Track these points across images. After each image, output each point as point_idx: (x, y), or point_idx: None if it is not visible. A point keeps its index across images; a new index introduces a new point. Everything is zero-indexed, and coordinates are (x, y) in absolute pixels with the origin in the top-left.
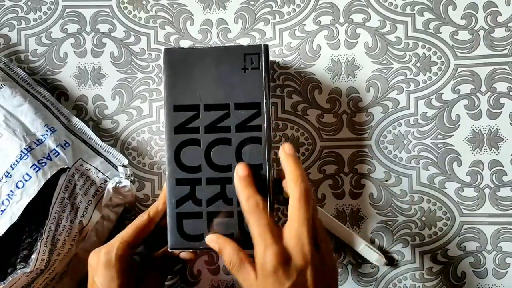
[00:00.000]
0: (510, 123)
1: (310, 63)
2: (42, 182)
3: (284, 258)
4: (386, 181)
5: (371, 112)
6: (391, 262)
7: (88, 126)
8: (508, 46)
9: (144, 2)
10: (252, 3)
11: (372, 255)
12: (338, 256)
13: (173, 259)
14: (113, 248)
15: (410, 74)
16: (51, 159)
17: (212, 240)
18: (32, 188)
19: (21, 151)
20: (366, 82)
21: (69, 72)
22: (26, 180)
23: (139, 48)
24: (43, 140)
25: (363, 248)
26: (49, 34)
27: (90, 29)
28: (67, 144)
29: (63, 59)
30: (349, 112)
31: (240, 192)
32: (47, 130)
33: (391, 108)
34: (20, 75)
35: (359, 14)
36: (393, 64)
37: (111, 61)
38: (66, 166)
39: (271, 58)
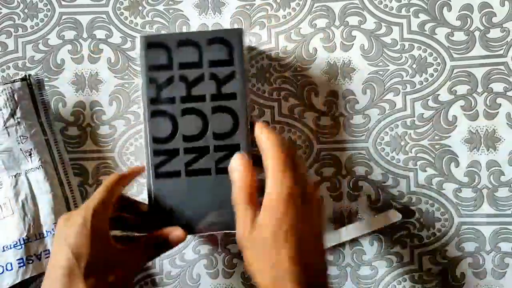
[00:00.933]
0: (507, 123)
1: (306, 66)
2: (18, 280)
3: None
4: (384, 183)
5: (368, 114)
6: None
7: (86, 132)
8: (504, 47)
9: (140, 8)
10: (248, 7)
11: (386, 218)
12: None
13: (159, 243)
14: (87, 208)
15: (406, 76)
16: (40, 259)
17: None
18: (6, 282)
19: (19, 239)
20: (363, 84)
21: (66, 79)
22: (6, 269)
23: (136, 53)
24: (44, 236)
25: (372, 220)
26: (46, 41)
27: (86, 35)
28: None
29: (60, 66)
30: (345, 115)
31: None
32: (53, 229)
33: (388, 110)
34: (64, 161)
35: (355, 17)
36: (389, 66)
37: (108, 67)
38: None
39: (267, 62)
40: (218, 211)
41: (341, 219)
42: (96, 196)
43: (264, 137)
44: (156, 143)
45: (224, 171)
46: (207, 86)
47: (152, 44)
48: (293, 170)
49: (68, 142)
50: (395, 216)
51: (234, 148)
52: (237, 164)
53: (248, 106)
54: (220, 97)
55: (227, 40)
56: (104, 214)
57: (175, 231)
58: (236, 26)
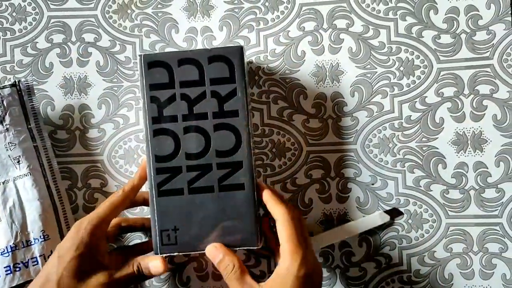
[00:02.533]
0: (493, 125)
1: (295, 69)
2: None
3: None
4: (373, 184)
5: (356, 116)
6: (396, 213)
7: (75, 136)
8: (490, 49)
9: (129, 11)
10: (237, 10)
11: (376, 219)
12: (325, 261)
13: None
14: (85, 220)
15: (394, 78)
16: (27, 267)
17: (215, 247)
18: None
19: (6, 247)
20: (351, 86)
21: (55, 82)
22: None
23: (125, 56)
24: (31, 243)
25: (361, 222)
26: (34, 45)
27: (75, 39)
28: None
29: (49, 69)
30: (334, 117)
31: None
32: (40, 236)
33: (376, 112)
34: (53, 168)
35: (343, 20)
36: (376, 68)
37: (96, 70)
38: None
39: (256, 65)
40: (221, 229)
41: (330, 221)
42: (97, 212)
43: (272, 206)
44: (159, 161)
45: (227, 188)
46: (209, 104)
47: (152, 63)
48: (304, 250)
49: (57, 145)
50: (384, 218)
51: (237, 165)
52: (216, 253)
53: (250, 123)
54: (222, 115)
55: (228, 57)
56: (100, 229)
57: (155, 261)
58: (224, 29)
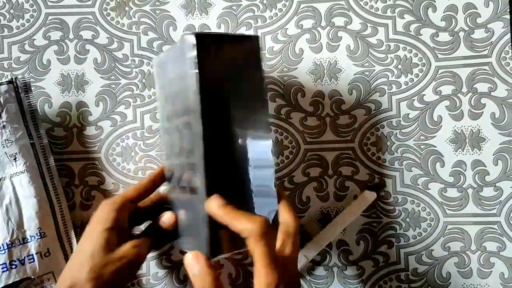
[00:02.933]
0: (492, 123)
1: (292, 67)
2: (1, 285)
3: None
4: (370, 183)
5: (354, 114)
6: (379, 187)
7: (72, 133)
8: (488, 47)
9: (127, 9)
10: (234, 8)
11: (363, 201)
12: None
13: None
14: (111, 199)
15: (392, 76)
16: (23, 264)
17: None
18: None
19: (2, 244)
20: (349, 84)
21: (52, 79)
22: None
23: (122, 54)
24: (28, 241)
25: (351, 208)
26: (32, 42)
27: (73, 36)
28: (47, 254)
29: (47, 66)
30: (332, 115)
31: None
32: (37, 234)
33: (374, 110)
34: (50, 165)
35: (341, 18)
36: (374, 66)
37: (94, 68)
38: (32, 276)
39: None
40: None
41: (328, 220)
42: (125, 193)
43: (237, 222)
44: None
45: (190, 190)
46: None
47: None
48: (279, 267)
49: (54, 143)
50: (371, 196)
51: (194, 167)
52: (193, 264)
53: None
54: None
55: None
56: (127, 207)
57: (166, 215)
58: (222, 26)
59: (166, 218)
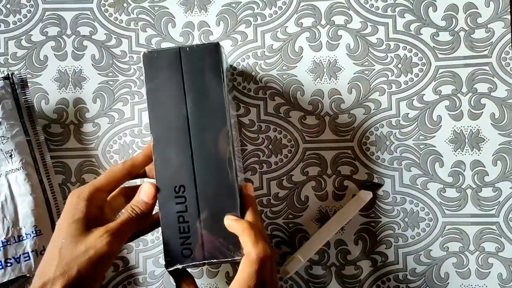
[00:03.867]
0: (491, 123)
1: (292, 65)
2: None
3: None
4: (368, 182)
5: (353, 113)
6: (376, 187)
7: (69, 130)
8: (488, 47)
9: (125, 5)
10: (234, 5)
11: (359, 201)
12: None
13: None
14: (79, 188)
15: (391, 76)
16: (18, 262)
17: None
18: None
19: None
20: (348, 83)
21: (49, 75)
22: None
23: (120, 50)
24: (23, 238)
25: (348, 208)
26: (29, 37)
27: (70, 32)
28: (43, 252)
29: (43, 62)
30: (331, 114)
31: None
32: (33, 232)
33: (373, 109)
34: (46, 162)
35: (341, 16)
36: (374, 65)
37: (92, 64)
38: (27, 275)
39: (253, 60)
40: None
41: (326, 219)
42: (95, 182)
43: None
44: None
45: None
46: None
47: None
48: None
49: (50, 140)
50: (366, 196)
51: None
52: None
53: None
54: None
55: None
56: (95, 197)
57: (143, 186)
58: (222, 24)
59: (145, 190)
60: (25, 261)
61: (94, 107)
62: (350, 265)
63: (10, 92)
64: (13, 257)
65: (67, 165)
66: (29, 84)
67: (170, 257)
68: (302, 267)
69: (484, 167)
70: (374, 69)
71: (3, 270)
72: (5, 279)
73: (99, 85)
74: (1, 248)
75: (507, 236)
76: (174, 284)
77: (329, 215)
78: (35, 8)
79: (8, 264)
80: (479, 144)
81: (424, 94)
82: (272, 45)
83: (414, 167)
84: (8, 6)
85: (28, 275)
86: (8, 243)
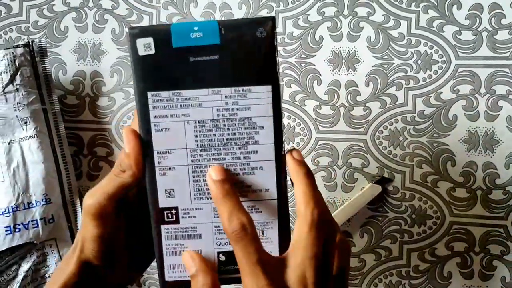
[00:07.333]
0: (507, 126)
1: (311, 54)
2: (4, 247)
3: None
4: (379, 176)
5: (368, 106)
6: (386, 181)
7: (84, 102)
8: (510, 49)
9: None
10: None
11: (367, 195)
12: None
13: None
14: (98, 192)
15: (410, 71)
16: (27, 228)
17: (191, 257)
18: None
19: (7, 207)
20: (366, 76)
21: (68, 46)
22: None
23: None
24: (33, 206)
25: (356, 200)
26: (51, 7)
27: (92, 5)
28: (51, 220)
29: (64, 33)
30: (346, 105)
31: (218, 205)
32: (42, 199)
33: (389, 104)
34: (60, 132)
35: (364, 8)
36: (394, 60)
37: (111, 38)
38: (34, 241)
39: None
40: None
41: (334, 210)
42: (106, 190)
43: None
44: None
45: None
46: None
47: None
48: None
49: (65, 110)
50: (375, 189)
51: None
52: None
53: None
54: None
55: None
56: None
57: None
58: (244, 7)
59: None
60: (33, 228)
61: (111, 81)
62: (354, 257)
63: (29, 60)
64: (22, 223)
65: (80, 137)
66: (48, 54)
67: None
68: None
69: (496, 169)
70: (393, 63)
71: (11, 235)
72: (13, 244)
73: (117, 60)
74: (11, 214)
75: None
76: None
77: (337, 206)
78: None
79: (17, 230)
80: (493, 146)
81: (441, 92)
82: (293, 32)
83: (426, 164)
84: None
85: (35, 242)
86: (18, 209)
